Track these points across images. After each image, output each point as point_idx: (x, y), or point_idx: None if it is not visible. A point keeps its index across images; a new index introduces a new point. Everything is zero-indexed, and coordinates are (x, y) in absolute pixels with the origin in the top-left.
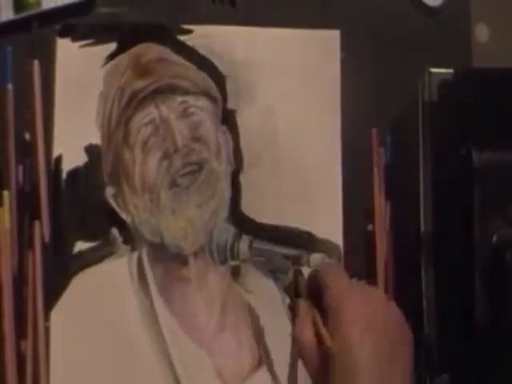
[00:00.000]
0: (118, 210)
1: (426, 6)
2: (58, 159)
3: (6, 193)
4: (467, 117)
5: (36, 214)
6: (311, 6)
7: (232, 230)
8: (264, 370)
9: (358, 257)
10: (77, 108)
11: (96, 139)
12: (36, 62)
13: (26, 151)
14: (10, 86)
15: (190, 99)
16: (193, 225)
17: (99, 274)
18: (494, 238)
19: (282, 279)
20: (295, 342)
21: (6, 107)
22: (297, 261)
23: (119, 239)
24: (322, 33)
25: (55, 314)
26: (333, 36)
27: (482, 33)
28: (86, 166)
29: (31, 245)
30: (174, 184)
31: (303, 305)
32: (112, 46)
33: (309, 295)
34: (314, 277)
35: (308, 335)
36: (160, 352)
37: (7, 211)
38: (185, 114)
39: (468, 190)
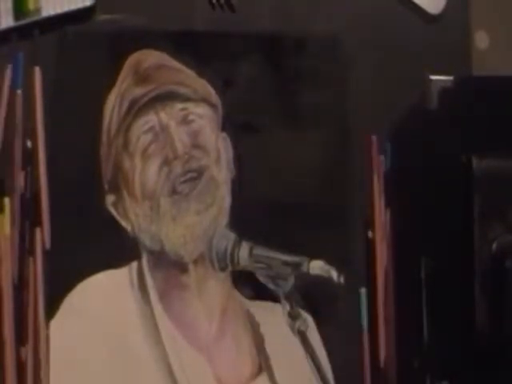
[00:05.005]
0: (118, 217)
1: (427, 14)
2: (59, 167)
3: (7, 199)
4: (467, 124)
5: (37, 221)
6: (311, 14)
7: (232, 236)
8: (264, 376)
9: (359, 262)
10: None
11: (96, 147)
12: (37, 69)
13: (28, 158)
14: (19, 92)
15: (190, 106)
16: (192, 232)
17: (100, 281)
18: (494, 245)
19: (281, 286)
20: None
21: (14, 113)
22: (297, 267)
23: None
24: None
25: (55, 322)
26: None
27: (481, 40)
28: (87, 173)
29: (32, 251)
30: (173, 191)
31: None
32: (112, 53)
33: None
34: None
35: None
36: (160, 358)
37: (8, 218)
38: (184, 121)
39: (468, 197)
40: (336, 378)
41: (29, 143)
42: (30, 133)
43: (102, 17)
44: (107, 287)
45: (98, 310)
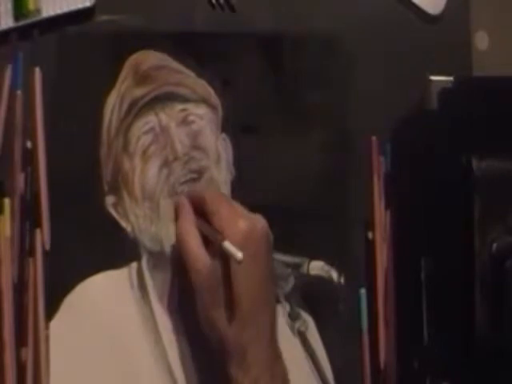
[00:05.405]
0: (117, 218)
1: (426, 14)
2: (59, 167)
3: (6, 200)
4: (467, 125)
5: (37, 222)
6: (311, 14)
7: None
8: None
9: (358, 264)
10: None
11: (96, 147)
12: (37, 70)
13: (28, 159)
14: (19, 93)
15: (190, 107)
16: None
17: (100, 281)
18: (494, 247)
19: (282, 287)
20: (182, 242)
21: (14, 114)
22: (297, 268)
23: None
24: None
25: (55, 322)
26: None
27: (482, 41)
28: (87, 174)
29: (32, 253)
30: (173, 192)
31: (187, 204)
32: (112, 53)
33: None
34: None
35: (196, 234)
36: (159, 359)
37: (8, 219)
38: (184, 121)
39: (468, 198)
40: (336, 378)
41: (29, 143)
42: (30, 133)
43: (102, 17)
44: (107, 288)
45: (98, 310)
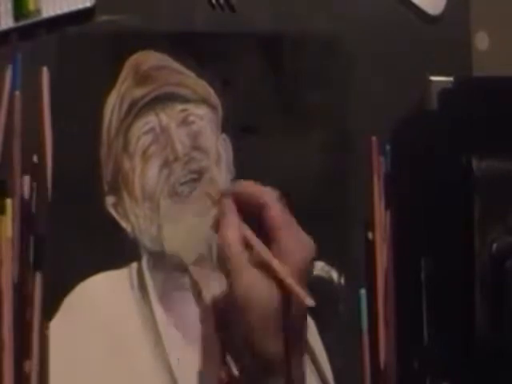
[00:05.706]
0: (118, 218)
1: (426, 15)
2: (60, 167)
3: (8, 201)
4: (467, 125)
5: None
6: (311, 14)
7: None
8: None
9: (358, 264)
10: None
11: (96, 148)
12: (45, 69)
13: (32, 160)
14: (17, 93)
15: (190, 107)
16: (193, 233)
17: (100, 281)
18: (494, 247)
19: None
20: (225, 242)
21: (13, 114)
22: None
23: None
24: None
25: (55, 323)
26: None
27: (482, 41)
28: (86, 174)
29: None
30: (174, 192)
31: (230, 204)
32: (112, 54)
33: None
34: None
35: (237, 235)
36: (160, 358)
37: (10, 219)
38: (185, 122)
39: (468, 198)
40: (336, 378)
41: (32, 143)
42: (39, 133)
43: (102, 17)
44: (107, 288)
45: (98, 310)
